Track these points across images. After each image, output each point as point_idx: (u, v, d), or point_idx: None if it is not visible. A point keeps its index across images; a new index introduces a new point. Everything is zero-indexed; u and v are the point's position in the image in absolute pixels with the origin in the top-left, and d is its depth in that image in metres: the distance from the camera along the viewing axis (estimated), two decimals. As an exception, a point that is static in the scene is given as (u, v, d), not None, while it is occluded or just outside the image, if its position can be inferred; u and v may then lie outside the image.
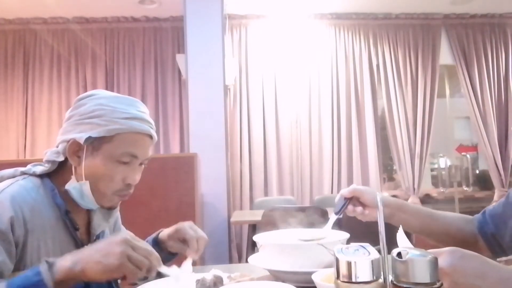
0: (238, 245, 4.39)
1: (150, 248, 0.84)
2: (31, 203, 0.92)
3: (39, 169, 1.00)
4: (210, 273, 0.96)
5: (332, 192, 4.49)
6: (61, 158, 0.98)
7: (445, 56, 4.79)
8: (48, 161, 1.00)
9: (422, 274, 0.57)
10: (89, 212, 1.06)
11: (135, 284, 0.98)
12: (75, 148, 0.97)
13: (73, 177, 0.98)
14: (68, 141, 0.97)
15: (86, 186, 0.96)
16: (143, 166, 1.05)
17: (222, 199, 3.57)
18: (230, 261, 3.84)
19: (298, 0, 4.33)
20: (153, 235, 1.18)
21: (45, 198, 0.96)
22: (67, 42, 4.62)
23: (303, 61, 4.62)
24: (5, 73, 4.57)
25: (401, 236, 0.85)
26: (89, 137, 0.95)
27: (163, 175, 2.75)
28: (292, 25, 4.63)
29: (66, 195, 0.98)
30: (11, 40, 4.61)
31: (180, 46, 4.57)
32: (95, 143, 0.96)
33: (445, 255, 0.69)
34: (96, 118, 0.96)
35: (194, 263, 1.05)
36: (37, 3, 4.16)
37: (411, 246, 0.73)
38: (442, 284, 0.58)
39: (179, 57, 4.18)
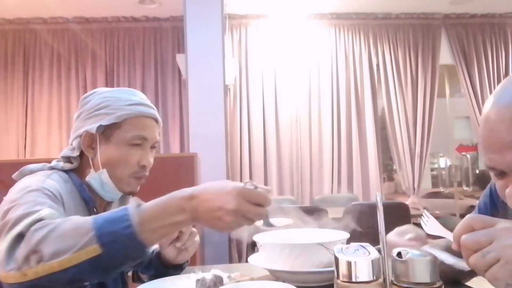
0: (238, 245, 4.39)
1: (265, 195, 0.76)
2: (67, 195, 0.96)
3: (67, 165, 1.04)
4: (210, 273, 0.96)
5: (332, 192, 4.49)
6: (76, 153, 1.04)
7: (445, 56, 4.79)
8: (64, 157, 1.05)
9: (422, 274, 0.57)
10: (106, 207, 1.11)
11: (142, 282, 0.99)
12: (88, 140, 1.03)
13: (91, 170, 1.04)
14: (81, 135, 1.03)
15: (104, 174, 1.03)
16: (154, 150, 1.11)
17: (222, 199, 3.56)
18: (230, 261, 3.83)
19: (298, 0, 4.33)
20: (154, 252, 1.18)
21: (73, 193, 1.00)
22: (67, 42, 4.62)
23: (303, 61, 4.62)
24: (5, 73, 4.57)
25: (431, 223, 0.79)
26: (100, 126, 1.01)
27: (163, 175, 2.73)
28: (292, 25, 4.63)
29: (90, 190, 1.04)
30: (11, 40, 4.60)
31: (180, 46, 4.57)
32: (106, 132, 1.02)
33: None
34: (104, 109, 1.03)
35: (194, 263, 1.05)
36: (37, 3, 4.16)
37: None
38: (442, 284, 0.58)
39: (179, 57, 4.18)
